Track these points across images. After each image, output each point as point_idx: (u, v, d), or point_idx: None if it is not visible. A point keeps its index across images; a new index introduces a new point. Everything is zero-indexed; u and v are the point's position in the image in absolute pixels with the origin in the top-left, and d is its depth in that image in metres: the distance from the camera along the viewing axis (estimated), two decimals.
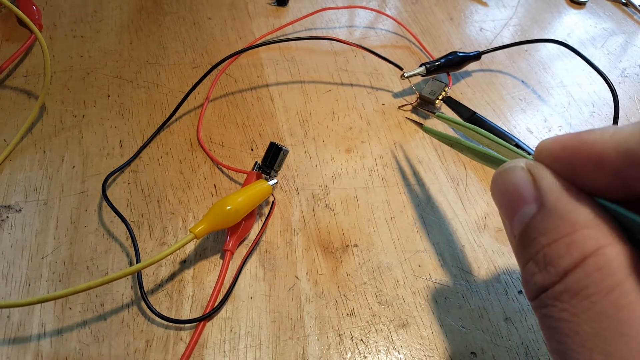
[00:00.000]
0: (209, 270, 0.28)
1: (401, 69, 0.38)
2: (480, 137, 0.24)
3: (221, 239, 0.29)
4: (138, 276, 0.27)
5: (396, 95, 0.38)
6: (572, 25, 0.46)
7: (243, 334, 0.25)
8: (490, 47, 0.41)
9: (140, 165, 0.32)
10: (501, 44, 0.41)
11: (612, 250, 0.13)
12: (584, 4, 0.48)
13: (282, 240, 0.29)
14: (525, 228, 0.15)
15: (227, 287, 0.27)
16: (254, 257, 0.28)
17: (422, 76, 0.37)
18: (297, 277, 0.28)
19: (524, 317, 0.26)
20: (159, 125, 0.35)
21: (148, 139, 0.34)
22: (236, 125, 0.35)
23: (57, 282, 0.27)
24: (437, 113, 0.29)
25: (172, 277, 0.27)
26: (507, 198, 0.16)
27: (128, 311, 0.26)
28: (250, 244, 0.29)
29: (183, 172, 0.32)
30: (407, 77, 0.36)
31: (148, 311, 0.26)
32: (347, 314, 0.26)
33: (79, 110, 0.36)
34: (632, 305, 0.13)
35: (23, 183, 0.31)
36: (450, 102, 0.36)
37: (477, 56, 0.39)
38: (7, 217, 0.29)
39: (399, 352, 0.25)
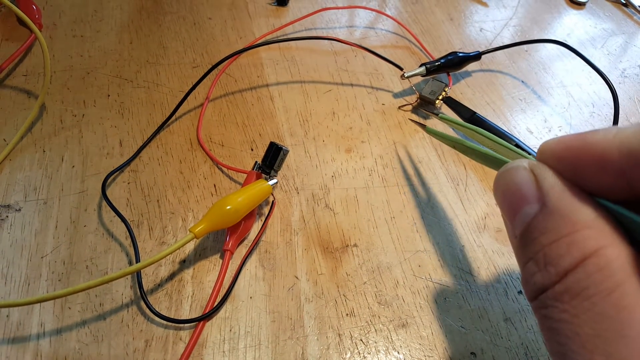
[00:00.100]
0: (209, 270, 0.28)
1: (401, 69, 0.38)
2: (483, 138, 0.24)
3: (221, 239, 0.29)
4: (137, 276, 0.26)
5: (396, 95, 0.38)
6: (572, 25, 0.46)
7: (242, 333, 0.25)
8: (490, 48, 0.41)
9: (140, 164, 0.32)
10: (501, 44, 0.41)
11: (613, 251, 0.13)
12: (583, 4, 0.48)
13: (281, 240, 0.29)
14: (527, 228, 0.15)
15: (226, 287, 0.27)
16: (254, 257, 0.28)
17: (422, 76, 0.37)
18: (296, 277, 0.27)
19: (524, 318, 0.26)
20: (159, 124, 0.35)
21: (148, 139, 0.34)
22: (236, 125, 0.35)
23: (56, 281, 0.27)
24: (440, 115, 0.29)
25: (171, 276, 0.27)
26: (509, 198, 0.16)
27: (127, 311, 0.26)
28: (250, 244, 0.29)
29: (183, 172, 0.32)
30: (407, 77, 0.36)
31: (147, 311, 0.26)
32: (347, 314, 0.26)
33: (78, 109, 0.36)
34: (633, 307, 0.13)
35: (23, 182, 0.31)
36: (450, 102, 0.36)
37: (477, 56, 0.39)
38: (7, 216, 0.29)
39: (398, 352, 0.25)
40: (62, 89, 0.37)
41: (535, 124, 0.37)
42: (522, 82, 0.40)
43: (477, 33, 0.45)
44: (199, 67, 0.39)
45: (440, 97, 0.36)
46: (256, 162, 0.31)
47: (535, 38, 0.44)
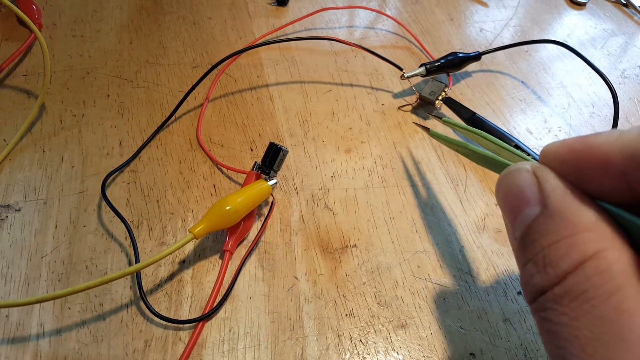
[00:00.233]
0: (208, 271, 0.28)
1: (401, 69, 0.38)
2: (486, 142, 0.24)
3: (220, 239, 0.29)
4: (137, 276, 0.27)
5: (396, 95, 0.38)
6: (572, 26, 0.46)
7: (242, 334, 0.25)
8: (490, 48, 0.41)
9: (139, 165, 0.32)
10: (501, 45, 0.41)
11: (613, 254, 0.13)
12: (584, 4, 0.48)
13: (281, 240, 0.29)
14: (527, 230, 0.15)
15: (226, 287, 0.27)
16: (253, 258, 0.28)
17: (422, 76, 0.37)
18: (296, 278, 0.28)
19: (523, 318, 0.26)
20: (159, 125, 0.35)
21: (147, 139, 0.34)
22: (236, 125, 0.35)
23: (56, 281, 0.27)
24: (443, 119, 0.29)
25: (171, 277, 0.27)
26: (510, 200, 0.16)
27: (127, 311, 0.26)
28: (249, 244, 0.29)
29: (182, 172, 0.32)
30: (407, 78, 0.36)
31: (147, 311, 0.26)
32: (346, 315, 0.26)
33: (78, 109, 0.36)
34: (633, 310, 0.13)
35: (22, 182, 0.31)
36: (450, 102, 0.36)
37: (477, 57, 0.39)
38: (7, 216, 0.29)
39: (397, 353, 0.25)
40: (62, 89, 0.37)
41: (535, 125, 0.37)
42: (522, 82, 0.40)
43: (477, 33, 0.45)
44: (199, 67, 0.39)
45: (440, 98, 0.36)
46: (256, 162, 0.31)
47: (536, 38, 0.44)
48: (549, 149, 0.16)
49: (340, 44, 0.41)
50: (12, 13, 0.42)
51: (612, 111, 0.35)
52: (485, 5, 0.48)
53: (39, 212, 0.30)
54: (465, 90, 0.39)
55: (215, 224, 0.26)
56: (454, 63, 0.38)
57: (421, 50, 0.42)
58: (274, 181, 0.30)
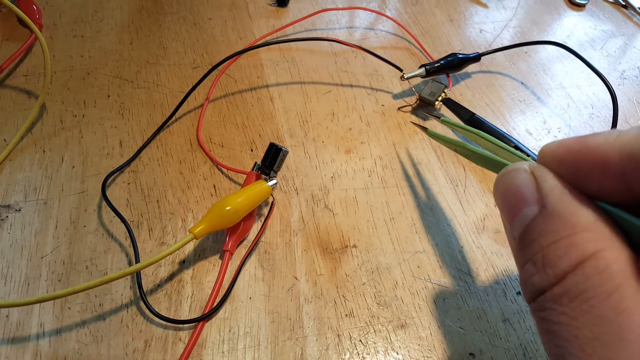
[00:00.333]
0: (208, 271, 0.28)
1: (401, 70, 0.38)
2: (485, 142, 0.24)
3: (220, 240, 0.29)
4: (137, 276, 0.27)
5: (396, 96, 0.38)
6: (572, 27, 0.46)
7: (242, 334, 0.25)
8: (489, 49, 0.41)
9: (140, 165, 0.32)
10: (501, 46, 0.41)
11: (612, 254, 0.13)
12: (583, 5, 0.48)
13: (281, 240, 0.29)
14: (526, 230, 0.15)
15: (226, 287, 0.27)
16: (253, 258, 0.28)
17: (422, 77, 0.37)
18: (296, 278, 0.28)
19: (523, 319, 0.26)
20: (159, 125, 0.35)
21: (148, 139, 0.34)
22: (236, 125, 0.35)
23: (56, 281, 0.27)
24: (442, 118, 0.29)
25: (171, 277, 0.27)
26: (508, 199, 0.16)
27: (127, 311, 0.26)
28: (249, 245, 0.29)
29: (183, 173, 0.32)
30: (407, 79, 0.36)
31: (147, 311, 0.26)
32: (346, 315, 0.26)
33: (79, 110, 0.36)
34: (632, 310, 0.13)
35: (23, 183, 0.31)
36: (450, 103, 0.36)
37: (476, 58, 0.39)
38: (7, 216, 0.29)
39: (397, 353, 0.25)
40: (63, 89, 0.37)
41: (535, 126, 0.37)
42: (522, 83, 0.40)
43: (476, 34, 0.45)
44: (199, 68, 0.40)
45: (440, 99, 0.36)
46: (256, 162, 0.31)
47: (535, 39, 0.44)
48: (546, 149, 0.16)
49: (340, 44, 0.41)
50: (13, 13, 0.42)
51: (611, 112, 0.35)
52: (485, 6, 0.48)
53: (39, 212, 0.30)
54: (465, 91, 0.39)
55: (215, 224, 0.26)
56: (454, 64, 0.38)
57: (421, 51, 0.42)
58: (274, 181, 0.30)
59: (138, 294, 0.26)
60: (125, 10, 0.44)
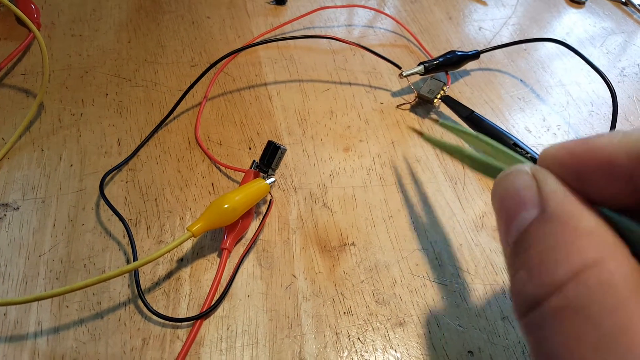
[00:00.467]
0: (206, 269, 0.28)
1: (399, 67, 0.38)
2: (485, 146, 0.23)
3: (219, 237, 0.29)
4: (135, 274, 0.27)
5: (395, 94, 0.38)
6: (572, 24, 0.46)
7: (240, 332, 0.25)
8: (489, 46, 0.41)
9: (138, 163, 0.32)
10: (500, 43, 0.41)
11: (614, 264, 0.12)
12: (583, 3, 0.48)
13: (279, 238, 0.29)
14: (522, 234, 0.14)
15: (224, 285, 0.27)
16: (251, 256, 0.28)
17: (421, 75, 0.37)
18: (294, 276, 0.27)
19: None
20: (157, 123, 0.35)
21: (146, 138, 0.34)
22: (234, 123, 0.35)
23: (54, 280, 0.27)
24: (440, 121, 0.28)
25: (169, 275, 0.27)
26: (507, 202, 0.15)
27: (125, 309, 0.26)
28: (247, 243, 0.29)
29: (181, 171, 0.32)
30: (406, 76, 0.36)
31: (145, 309, 0.26)
32: (344, 313, 0.26)
33: (77, 108, 0.36)
34: (639, 329, 0.11)
35: (21, 181, 0.31)
36: (449, 101, 0.36)
37: (475, 55, 0.39)
38: (5, 215, 0.29)
39: (395, 351, 0.25)
40: (61, 88, 0.37)
41: (534, 123, 0.37)
42: (521, 80, 0.40)
43: (476, 32, 0.44)
44: (197, 66, 0.39)
45: (439, 96, 0.36)
46: (254, 160, 0.31)
47: (535, 37, 0.44)
48: (548, 153, 0.15)
49: (338, 42, 0.41)
50: (11, 12, 0.42)
51: (611, 110, 0.35)
52: (484, 3, 0.48)
53: (37, 211, 0.30)
54: (464, 88, 0.39)
55: (213, 222, 0.26)
56: (453, 61, 0.38)
57: (420, 49, 0.42)
58: (272, 179, 0.30)
59: (136, 292, 0.26)
60: (124, 9, 0.44)
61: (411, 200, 0.31)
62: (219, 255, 0.28)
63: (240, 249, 0.29)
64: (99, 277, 0.23)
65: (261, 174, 0.30)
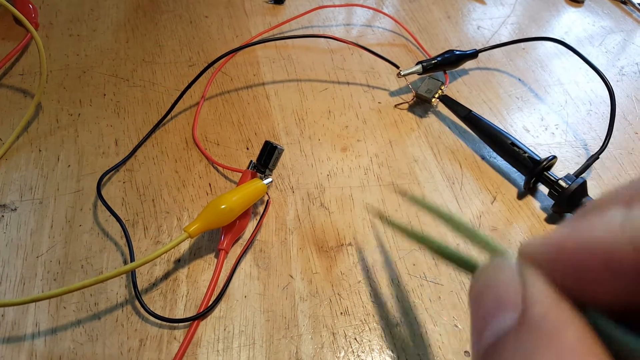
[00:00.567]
0: (204, 269, 0.28)
1: (397, 67, 0.38)
2: (459, 228, 0.19)
3: (216, 238, 0.29)
4: (132, 275, 0.27)
5: (392, 93, 0.38)
6: (570, 23, 0.46)
7: (237, 333, 0.25)
8: (487, 46, 0.41)
9: (135, 164, 0.32)
10: (499, 42, 0.41)
11: None
12: (582, 2, 0.48)
13: (276, 239, 0.29)
14: (495, 346, 0.12)
15: (221, 286, 0.27)
16: (249, 256, 0.28)
17: (419, 74, 0.37)
18: (291, 276, 0.28)
19: None
20: (155, 123, 0.35)
21: (143, 138, 0.34)
22: (232, 123, 0.35)
23: (51, 281, 0.27)
24: (408, 195, 0.25)
25: (166, 276, 0.27)
26: (484, 300, 0.14)
27: (122, 310, 0.26)
28: (244, 243, 0.29)
29: (178, 171, 0.32)
30: (404, 76, 0.36)
31: (142, 310, 0.26)
32: (341, 313, 0.26)
33: (74, 109, 0.36)
34: None
35: (18, 182, 0.31)
36: (447, 100, 0.36)
37: (473, 54, 0.39)
38: (2, 216, 0.29)
39: (392, 351, 0.25)
40: (59, 88, 0.37)
41: (532, 122, 0.37)
42: (519, 80, 0.40)
43: (474, 31, 0.44)
44: (195, 66, 0.39)
45: (437, 96, 0.36)
46: (251, 161, 0.30)
47: (534, 36, 0.44)
48: (531, 248, 0.13)
49: (337, 42, 0.41)
50: (9, 12, 0.42)
51: (609, 109, 0.35)
52: (483, 2, 0.48)
53: (35, 212, 0.30)
54: (462, 87, 0.39)
55: (210, 223, 0.26)
56: (451, 61, 0.38)
57: (418, 48, 0.42)
58: (269, 180, 0.30)
59: (133, 293, 0.26)
60: (122, 8, 0.44)
61: (408, 200, 0.31)
62: (216, 256, 0.28)
63: (237, 249, 0.29)
64: (96, 278, 0.23)
65: (258, 174, 0.30)
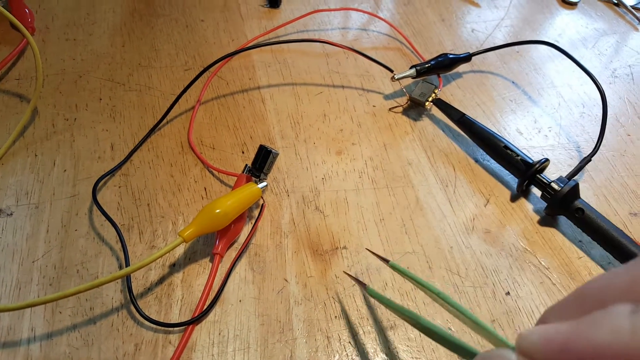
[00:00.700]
0: (199, 274, 0.28)
1: (391, 71, 0.38)
2: (449, 307, 0.19)
3: (211, 242, 0.29)
4: (127, 280, 0.27)
5: (387, 97, 0.38)
6: (564, 25, 0.46)
7: (231, 337, 0.25)
8: (481, 49, 0.41)
9: (131, 168, 0.33)
10: (493, 45, 0.41)
11: None
12: (575, 4, 0.48)
13: (271, 243, 0.29)
14: None
15: (216, 290, 0.27)
16: (244, 260, 0.28)
17: (413, 78, 0.37)
18: (286, 280, 0.28)
19: (511, 319, 0.27)
20: (150, 128, 0.35)
21: (139, 142, 0.34)
22: (227, 127, 0.35)
23: (47, 286, 0.27)
24: (390, 262, 0.24)
25: (161, 280, 0.27)
26: None
27: (117, 315, 0.26)
28: (239, 247, 0.29)
29: (173, 175, 0.32)
30: (398, 79, 0.37)
31: (137, 315, 0.26)
32: (336, 316, 0.26)
33: (70, 113, 0.36)
34: None
35: (14, 187, 0.31)
36: (440, 104, 0.36)
37: (467, 58, 0.39)
38: None
39: (386, 354, 0.25)
40: (55, 92, 0.37)
41: (525, 125, 0.37)
42: (513, 82, 0.40)
43: (468, 34, 0.45)
44: (191, 70, 0.40)
45: (430, 99, 0.36)
46: (246, 165, 0.31)
47: (527, 38, 0.44)
48: (532, 346, 0.12)
49: (332, 45, 0.41)
50: (5, 17, 0.42)
51: (602, 111, 0.35)
52: (477, 5, 0.48)
53: (31, 217, 0.30)
54: (456, 91, 0.39)
55: (205, 227, 0.26)
56: (444, 64, 0.38)
57: (412, 52, 0.42)
58: (264, 184, 0.30)
59: (128, 297, 0.26)
60: (118, 12, 0.44)
61: (403, 203, 0.32)
62: (211, 260, 0.28)
63: (232, 253, 0.29)
64: (92, 283, 0.24)
65: (253, 178, 0.30)
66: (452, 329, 0.26)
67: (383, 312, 0.27)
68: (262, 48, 0.42)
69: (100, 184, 0.31)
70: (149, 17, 0.44)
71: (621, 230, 0.28)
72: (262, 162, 0.30)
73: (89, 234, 0.29)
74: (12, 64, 0.40)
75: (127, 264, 0.28)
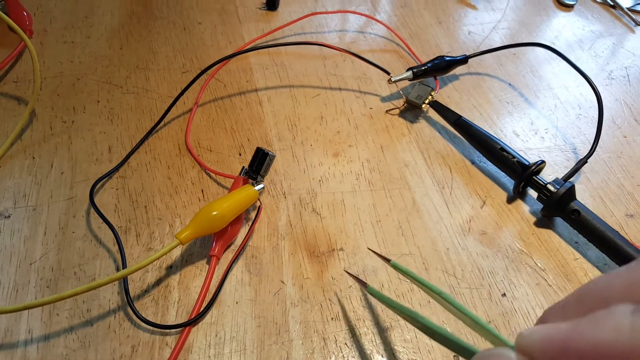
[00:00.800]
0: (195, 276, 0.28)
1: (388, 73, 0.38)
2: (449, 306, 0.20)
3: (208, 244, 0.29)
4: (124, 282, 0.27)
5: (384, 99, 0.39)
6: (561, 27, 0.47)
7: (228, 339, 0.26)
8: (477, 51, 0.41)
9: (128, 170, 0.33)
10: (490, 47, 0.41)
11: None
12: (572, 6, 0.49)
13: (268, 244, 0.29)
14: None
15: (212, 292, 0.27)
16: (240, 262, 0.29)
17: (410, 80, 0.38)
18: (282, 282, 0.28)
19: (507, 320, 0.27)
20: (148, 130, 0.35)
21: (136, 145, 0.34)
22: (225, 130, 0.36)
23: (44, 288, 0.27)
24: (391, 262, 0.24)
25: (158, 282, 0.27)
26: None
27: (114, 317, 0.26)
28: (236, 249, 0.29)
29: (171, 178, 0.32)
30: (394, 82, 0.37)
31: (134, 316, 0.26)
32: (332, 318, 0.26)
33: (68, 116, 0.36)
34: None
35: (12, 189, 0.31)
36: (437, 106, 0.36)
37: (463, 60, 0.39)
38: None
39: (382, 356, 0.25)
40: (52, 95, 0.37)
41: (522, 127, 0.37)
42: (510, 84, 0.40)
43: (465, 36, 0.45)
44: (189, 72, 0.40)
45: (427, 101, 0.36)
46: (243, 167, 0.31)
47: (524, 40, 0.44)
48: (532, 345, 0.12)
49: (329, 48, 0.41)
50: (2, 19, 0.42)
51: (598, 113, 0.35)
52: (474, 7, 0.48)
53: (29, 219, 0.30)
54: (453, 93, 0.39)
55: (202, 230, 0.26)
56: (441, 67, 0.38)
57: (409, 54, 0.43)
58: (260, 186, 0.30)
59: (125, 299, 0.26)
60: (116, 15, 0.45)
61: (399, 205, 0.32)
62: (208, 262, 0.28)
63: (229, 255, 0.29)
64: (89, 285, 0.24)
65: (250, 180, 0.30)
66: (448, 329, 0.26)
67: (379, 314, 0.27)
68: (260, 50, 0.42)
69: (97, 187, 0.31)
70: (146, 20, 0.44)
71: (617, 231, 0.29)
72: (259, 165, 0.30)
73: (86, 236, 0.29)
74: (10, 67, 0.40)
75: (124, 266, 0.28)
